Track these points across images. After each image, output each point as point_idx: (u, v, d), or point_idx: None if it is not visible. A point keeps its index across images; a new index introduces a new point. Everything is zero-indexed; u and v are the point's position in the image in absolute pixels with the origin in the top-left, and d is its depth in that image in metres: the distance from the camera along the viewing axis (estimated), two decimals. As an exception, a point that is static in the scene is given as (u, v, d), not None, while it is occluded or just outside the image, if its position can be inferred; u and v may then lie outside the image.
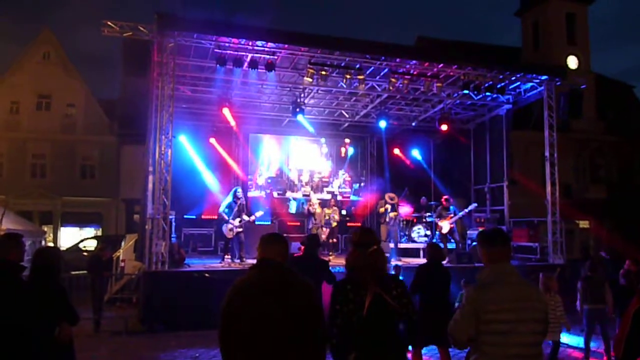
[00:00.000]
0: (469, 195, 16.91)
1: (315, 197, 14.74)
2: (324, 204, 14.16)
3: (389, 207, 13.35)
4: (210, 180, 15.40)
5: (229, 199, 12.11)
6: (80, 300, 10.26)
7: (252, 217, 12.23)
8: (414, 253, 14.30)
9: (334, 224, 13.71)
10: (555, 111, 13.89)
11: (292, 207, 16.82)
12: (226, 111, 13.66)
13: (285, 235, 3.59)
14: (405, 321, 3.17)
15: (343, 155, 18.09)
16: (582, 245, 26.35)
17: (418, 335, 6.22)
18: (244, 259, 11.88)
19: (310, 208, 13.59)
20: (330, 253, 13.46)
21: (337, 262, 10.63)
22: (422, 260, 13.44)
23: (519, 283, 3.05)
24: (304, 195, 17.06)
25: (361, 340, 3.11)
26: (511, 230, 14.93)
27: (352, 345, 3.13)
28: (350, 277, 3.25)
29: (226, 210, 11.90)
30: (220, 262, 12.03)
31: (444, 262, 6.85)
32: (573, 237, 24.99)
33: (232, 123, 14.24)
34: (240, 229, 11.94)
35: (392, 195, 13.91)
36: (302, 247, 6.81)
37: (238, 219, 11.90)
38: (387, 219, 13.31)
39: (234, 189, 12.50)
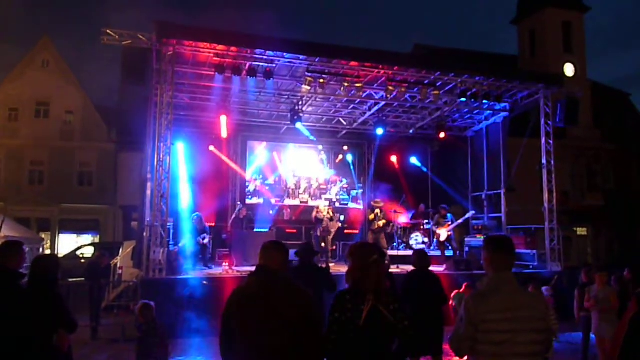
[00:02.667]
0: (467, 203, 16.94)
1: (323, 205, 14.74)
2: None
3: (378, 211, 13.45)
4: (208, 187, 15.38)
5: (190, 226, 12.90)
6: (77, 307, 10.21)
7: (201, 237, 12.91)
8: (411, 261, 14.28)
9: (333, 231, 13.81)
10: (551, 119, 13.97)
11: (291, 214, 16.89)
12: (222, 120, 13.68)
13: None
14: (401, 336, 3.20)
15: (338, 162, 18.12)
16: (579, 252, 26.43)
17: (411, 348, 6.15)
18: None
19: (319, 215, 13.68)
20: (330, 261, 13.49)
21: (335, 270, 10.63)
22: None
23: (517, 292, 3.05)
24: (301, 202, 17.10)
25: (357, 350, 3.13)
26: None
27: (347, 354, 3.15)
28: (350, 287, 3.29)
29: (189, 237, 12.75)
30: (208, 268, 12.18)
31: (431, 268, 6.74)
32: (570, 245, 25.03)
33: (224, 134, 14.12)
34: (205, 240, 12.85)
35: (376, 200, 14.07)
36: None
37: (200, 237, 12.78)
38: (375, 227, 13.37)
39: (193, 217, 13.07)
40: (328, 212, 13.91)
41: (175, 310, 9.82)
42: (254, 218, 14.90)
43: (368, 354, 3.12)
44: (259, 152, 17.29)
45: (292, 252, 10.50)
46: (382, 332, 3.12)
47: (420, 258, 6.63)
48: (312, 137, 16.24)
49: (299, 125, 14.39)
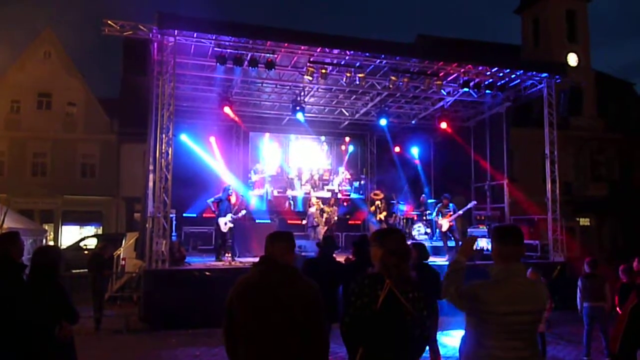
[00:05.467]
0: (469, 193, 16.89)
1: (314, 196, 14.78)
2: (324, 202, 14.27)
3: (378, 203, 13.50)
4: (211, 178, 15.38)
5: (220, 194, 12.34)
6: (81, 298, 10.26)
7: (240, 214, 12.39)
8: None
9: (332, 221, 13.86)
10: (555, 108, 13.88)
11: (294, 205, 16.89)
12: (228, 110, 13.71)
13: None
14: (418, 325, 3.20)
15: (340, 152, 18.11)
16: (582, 243, 26.39)
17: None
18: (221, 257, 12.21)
19: (310, 208, 13.78)
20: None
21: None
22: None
23: (525, 284, 3.07)
24: (304, 193, 17.09)
25: (371, 335, 3.13)
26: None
27: (362, 338, 3.15)
28: (370, 272, 3.28)
29: (212, 200, 12.24)
30: (217, 260, 12.02)
31: (433, 259, 6.77)
32: (574, 235, 25.00)
33: (240, 124, 14.34)
34: (232, 225, 12.16)
35: (376, 192, 14.13)
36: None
37: (230, 215, 12.10)
38: (376, 219, 13.45)
39: (226, 186, 12.66)
40: (318, 204, 13.95)
41: (177, 301, 9.86)
42: (251, 209, 14.95)
43: (386, 339, 3.12)
44: (261, 143, 17.26)
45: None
46: (399, 318, 3.12)
47: (417, 251, 6.66)
48: (304, 124, 16.02)
49: (299, 115, 14.34)
